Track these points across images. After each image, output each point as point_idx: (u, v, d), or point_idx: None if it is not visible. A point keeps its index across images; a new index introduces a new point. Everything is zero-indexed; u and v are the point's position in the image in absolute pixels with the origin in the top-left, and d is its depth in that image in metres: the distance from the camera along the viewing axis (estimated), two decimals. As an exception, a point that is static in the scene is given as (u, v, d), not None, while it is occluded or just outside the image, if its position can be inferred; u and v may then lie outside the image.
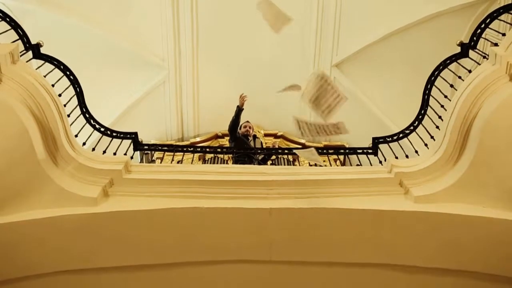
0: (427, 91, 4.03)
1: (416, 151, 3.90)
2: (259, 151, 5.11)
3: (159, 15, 6.67)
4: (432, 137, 3.73)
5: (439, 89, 3.96)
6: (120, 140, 4.13)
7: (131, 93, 7.16)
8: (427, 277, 3.04)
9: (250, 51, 7.03)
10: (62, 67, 3.87)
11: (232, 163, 4.83)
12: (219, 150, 5.59)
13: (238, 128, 5.31)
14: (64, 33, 6.21)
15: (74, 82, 3.96)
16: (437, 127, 3.72)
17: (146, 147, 4.51)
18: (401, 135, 4.09)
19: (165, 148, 4.70)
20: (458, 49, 3.83)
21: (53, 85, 3.23)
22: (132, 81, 7.06)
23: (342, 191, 3.12)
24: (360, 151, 4.17)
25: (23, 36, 3.49)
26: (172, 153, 5.07)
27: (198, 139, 7.59)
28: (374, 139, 4.16)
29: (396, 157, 3.63)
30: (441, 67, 3.94)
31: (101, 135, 4.09)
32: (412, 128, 4.06)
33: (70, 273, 2.95)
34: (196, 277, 3.10)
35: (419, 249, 2.98)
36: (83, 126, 3.99)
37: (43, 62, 3.75)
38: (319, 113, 2.85)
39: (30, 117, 2.86)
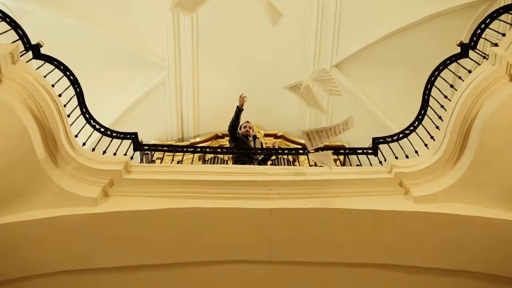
0: (427, 91, 4.02)
1: (416, 151, 3.90)
2: (259, 151, 5.11)
3: (159, 15, 6.67)
4: (432, 137, 3.73)
5: (439, 89, 3.96)
6: (120, 140, 4.13)
7: (131, 93, 7.16)
8: (427, 277, 3.04)
9: (250, 51, 7.03)
10: (62, 67, 3.87)
11: (232, 163, 4.83)
12: (219, 150, 5.59)
13: (238, 128, 5.31)
14: (64, 33, 6.21)
15: (74, 82, 3.96)
16: (437, 127, 3.72)
17: (146, 147, 4.50)
18: (401, 135, 4.09)
19: (165, 148, 4.70)
20: (458, 49, 3.83)
21: (53, 85, 3.24)
22: (132, 81, 7.05)
23: (342, 191, 3.12)
24: (360, 151, 4.17)
25: (23, 36, 3.49)
26: (172, 154, 5.06)
27: (198, 139, 7.59)
28: (374, 139, 4.16)
29: (396, 157, 3.63)
30: (441, 67, 3.94)
31: (101, 135, 4.09)
32: (412, 128, 4.06)
33: (70, 273, 2.95)
34: (196, 277, 3.10)
35: (419, 249, 2.99)
36: (83, 126, 3.98)
37: (43, 62, 3.74)
38: (320, 91, 2.91)
39: (30, 117, 2.86)
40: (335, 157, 6.29)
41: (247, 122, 5.55)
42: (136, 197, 3.05)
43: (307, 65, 7.16)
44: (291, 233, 2.98)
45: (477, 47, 3.71)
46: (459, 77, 3.86)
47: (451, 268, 3.01)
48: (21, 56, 3.06)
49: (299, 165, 5.92)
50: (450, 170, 3.16)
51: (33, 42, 3.59)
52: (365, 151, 4.15)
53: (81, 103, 4.04)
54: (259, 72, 7.18)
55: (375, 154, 4.10)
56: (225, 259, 3.04)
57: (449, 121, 3.22)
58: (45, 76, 3.25)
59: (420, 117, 4.04)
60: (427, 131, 3.92)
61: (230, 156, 5.66)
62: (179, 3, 2.76)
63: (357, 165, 4.63)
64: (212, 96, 7.43)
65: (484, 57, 3.43)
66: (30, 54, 3.63)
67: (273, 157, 6.24)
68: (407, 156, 3.84)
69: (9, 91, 2.78)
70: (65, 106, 3.35)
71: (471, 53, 3.77)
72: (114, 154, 3.81)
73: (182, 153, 5.98)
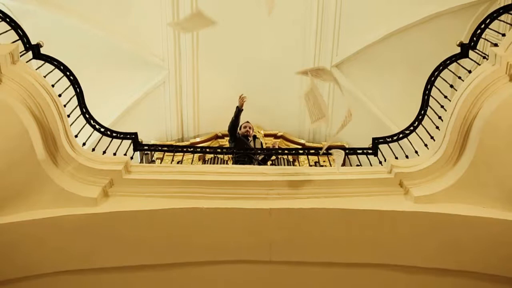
0: (427, 92, 4.03)
1: (416, 152, 3.90)
2: (259, 151, 5.11)
3: (159, 15, 6.67)
4: (432, 137, 3.73)
5: (439, 90, 3.96)
6: (120, 140, 4.13)
7: (131, 94, 7.15)
8: (427, 277, 3.04)
9: (250, 51, 7.03)
10: (62, 67, 3.88)
11: (232, 164, 4.83)
12: (219, 150, 5.59)
13: (238, 128, 5.31)
14: (64, 33, 6.20)
15: (74, 83, 3.96)
16: (437, 127, 3.72)
17: (146, 147, 4.50)
18: (401, 135, 4.09)
19: (165, 148, 4.70)
20: (458, 50, 3.83)
21: (53, 86, 3.24)
22: (132, 81, 7.05)
23: (342, 191, 3.12)
24: (360, 151, 4.17)
25: (23, 36, 3.49)
26: (172, 154, 5.07)
27: (198, 140, 7.58)
28: (374, 139, 4.16)
29: (396, 158, 3.63)
30: (441, 68, 3.94)
31: (101, 135, 4.09)
32: (412, 128, 4.06)
33: (70, 273, 2.95)
34: (196, 277, 3.10)
35: (419, 249, 2.99)
36: (83, 126, 3.99)
37: (43, 62, 3.75)
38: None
39: (30, 117, 2.86)
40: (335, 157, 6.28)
41: (247, 122, 5.55)
42: (136, 197, 3.05)
43: (307, 65, 7.12)
44: (291, 233, 2.98)
45: (477, 47, 3.72)
46: (459, 77, 3.87)
47: (451, 268, 3.01)
48: (21, 56, 3.06)
49: (299, 165, 5.93)
50: (450, 170, 3.16)
51: (33, 42, 3.59)
52: (365, 151, 4.16)
53: (81, 103, 4.04)
54: (259, 72, 7.17)
55: (375, 154, 4.10)
56: (225, 259, 3.04)
57: (449, 121, 3.22)
58: (45, 76, 3.26)
59: (420, 117, 4.05)
60: (427, 131, 3.93)
61: (230, 156, 5.66)
62: (179, 23, 2.78)
63: (357, 165, 4.63)
64: (212, 96, 7.42)
65: (484, 57, 3.43)
66: (30, 54, 3.63)
67: (273, 157, 6.24)
68: (407, 156, 3.84)
69: (9, 91, 2.78)
70: (65, 106, 3.35)
71: (471, 53, 3.77)
72: (114, 154, 3.82)
73: (182, 153, 6.00)
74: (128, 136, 4.14)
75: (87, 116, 4.07)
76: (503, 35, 3.39)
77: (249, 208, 2.93)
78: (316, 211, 2.93)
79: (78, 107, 4.01)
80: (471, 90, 3.04)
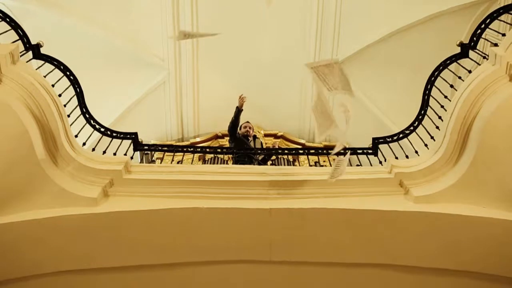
0: (427, 91, 4.02)
1: (416, 152, 3.90)
2: (259, 151, 5.11)
3: (159, 15, 6.67)
4: (432, 137, 3.72)
5: (439, 90, 3.96)
6: (120, 140, 4.13)
7: (131, 94, 7.15)
8: (427, 277, 3.04)
9: (250, 51, 7.03)
10: (62, 67, 3.87)
11: (232, 164, 4.83)
12: (219, 150, 5.59)
13: (238, 128, 5.31)
14: (64, 33, 6.20)
15: (74, 82, 3.96)
16: (437, 127, 3.71)
17: (146, 147, 4.50)
18: (401, 135, 4.09)
19: (165, 148, 4.70)
20: (458, 49, 3.83)
21: (53, 85, 3.23)
22: (132, 81, 7.05)
23: (342, 191, 3.12)
24: (360, 151, 4.17)
25: (23, 36, 3.49)
26: (172, 154, 5.07)
27: (198, 140, 7.59)
28: (374, 139, 4.16)
29: (396, 158, 3.63)
30: (441, 68, 3.94)
31: (101, 135, 4.09)
32: (412, 128, 4.06)
33: (70, 273, 2.95)
34: (196, 277, 3.10)
35: (419, 249, 2.99)
36: (83, 126, 3.98)
37: (43, 62, 3.75)
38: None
39: (30, 117, 2.86)
40: (335, 157, 6.27)
41: (247, 122, 5.55)
42: (136, 197, 3.05)
43: (307, 65, 7.14)
44: (291, 233, 2.98)
45: (477, 47, 3.71)
46: (459, 77, 3.86)
47: (451, 268, 3.01)
48: (21, 56, 3.06)
49: (299, 165, 5.93)
50: (450, 170, 3.16)
51: (33, 42, 3.59)
52: (365, 151, 4.15)
53: (81, 103, 4.04)
54: (259, 72, 7.17)
55: (375, 154, 4.10)
56: (225, 259, 3.04)
57: (449, 121, 3.22)
58: (45, 76, 3.25)
59: (420, 117, 4.05)
60: (427, 131, 3.93)
61: (230, 156, 5.66)
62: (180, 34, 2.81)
63: (357, 165, 4.63)
64: (212, 96, 7.42)
65: (484, 57, 3.43)
66: (30, 54, 3.63)
67: (273, 157, 6.24)
68: (407, 156, 3.84)
69: (9, 91, 2.78)
70: (65, 106, 3.35)
71: (471, 53, 3.77)
72: (114, 154, 3.82)
73: (182, 153, 6.00)
74: (128, 136, 4.14)
75: (87, 116, 4.07)
76: (503, 35, 3.39)
77: (249, 208, 2.93)
78: (316, 211, 2.93)
79: (78, 107, 4.01)
80: (471, 90, 3.04)
